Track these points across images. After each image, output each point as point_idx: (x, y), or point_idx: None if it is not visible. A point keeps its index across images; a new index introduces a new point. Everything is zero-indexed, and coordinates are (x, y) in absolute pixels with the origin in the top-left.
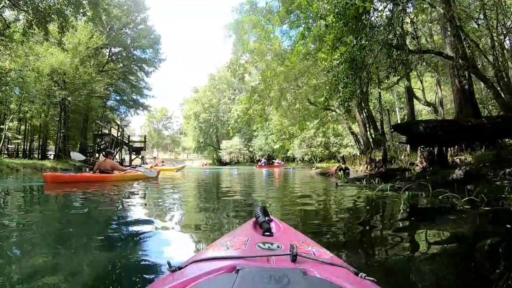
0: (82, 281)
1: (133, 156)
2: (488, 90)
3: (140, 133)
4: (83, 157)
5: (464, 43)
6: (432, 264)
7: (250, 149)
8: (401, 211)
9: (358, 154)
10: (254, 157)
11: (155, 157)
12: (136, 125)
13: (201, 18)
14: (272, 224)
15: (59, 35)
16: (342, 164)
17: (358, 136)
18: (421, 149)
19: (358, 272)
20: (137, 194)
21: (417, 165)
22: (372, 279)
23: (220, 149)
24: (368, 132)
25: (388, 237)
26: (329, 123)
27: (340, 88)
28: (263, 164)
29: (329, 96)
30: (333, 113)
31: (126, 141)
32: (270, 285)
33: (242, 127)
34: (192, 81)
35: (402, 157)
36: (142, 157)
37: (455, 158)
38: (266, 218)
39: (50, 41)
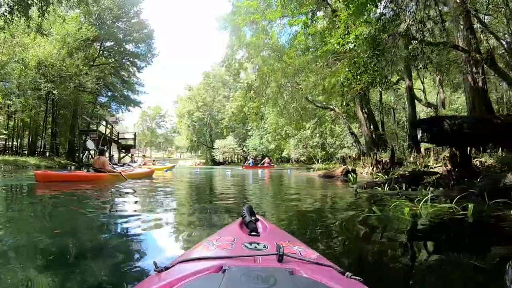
0: (64, 282)
1: (122, 154)
2: (496, 89)
3: (134, 131)
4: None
5: (482, 35)
6: None
7: (244, 149)
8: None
9: (354, 155)
10: (248, 157)
11: (144, 155)
12: (129, 123)
13: (196, 11)
14: (259, 224)
15: (39, 19)
16: (343, 165)
17: (358, 137)
18: (434, 150)
19: (344, 271)
20: (127, 194)
21: (433, 168)
22: (359, 278)
23: (213, 148)
24: (371, 132)
25: None
26: (327, 123)
27: (359, 72)
28: (251, 165)
29: (347, 84)
30: (331, 112)
31: (116, 138)
32: (257, 285)
33: (237, 126)
34: (187, 78)
35: (411, 159)
36: (132, 155)
37: (474, 160)
38: (253, 218)
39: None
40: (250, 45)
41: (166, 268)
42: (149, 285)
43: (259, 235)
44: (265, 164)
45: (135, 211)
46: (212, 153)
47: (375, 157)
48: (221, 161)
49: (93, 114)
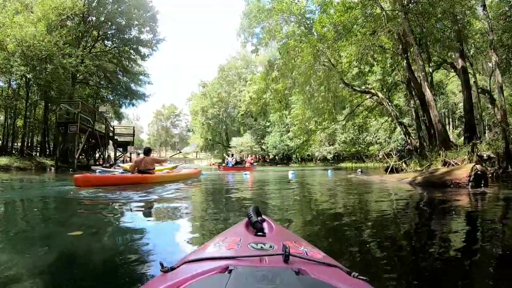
0: (75, 281)
1: (118, 153)
2: None
3: (148, 132)
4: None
5: None
6: None
7: (263, 147)
8: None
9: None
10: (268, 155)
11: (138, 154)
12: (144, 123)
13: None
14: (265, 224)
15: None
16: (402, 163)
17: (409, 129)
18: None
19: (350, 271)
20: (146, 196)
21: None
22: (365, 278)
23: (229, 147)
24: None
25: None
26: (363, 113)
27: None
28: (230, 165)
29: None
30: (367, 101)
31: (111, 134)
32: (263, 285)
33: (254, 123)
34: (202, 75)
35: None
36: (137, 154)
37: None
38: (259, 218)
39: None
40: (272, 12)
41: (172, 269)
42: (155, 286)
43: (265, 235)
44: (247, 165)
45: (142, 213)
46: (228, 152)
47: (475, 150)
48: (238, 160)
49: (74, 101)
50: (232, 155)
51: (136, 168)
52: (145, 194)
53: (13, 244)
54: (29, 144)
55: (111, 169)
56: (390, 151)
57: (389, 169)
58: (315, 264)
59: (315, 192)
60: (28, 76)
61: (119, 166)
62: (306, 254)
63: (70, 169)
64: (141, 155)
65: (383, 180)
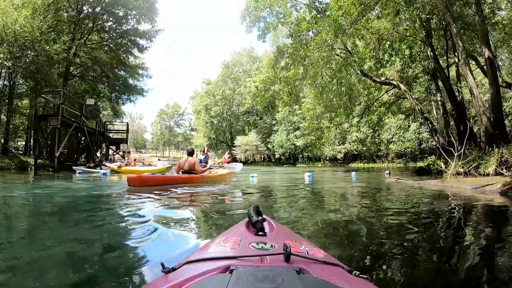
0: (74, 282)
1: (110, 151)
2: None
3: (151, 131)
4: None
5: None
6: None
7: (269, 146)
8: None
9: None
10: (273, 155)
11: (128, 152)
12: (147, 123)
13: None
14: (265, 224)
15: None
16: (441, 163)
17: (435, 123)
18: None
19: (352, 270)
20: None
21: None
22: (366, 277)
23: (234, 146)
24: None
25: None
26: (379, 110)
27: None
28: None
29: None
30: (385, 95)
31: (102, 130)
32: (264, 285)
33: (259, 121)
34: (205, 74)
35: None
36: (122, 152)
37: None
38: (259, 218)
39: None
40: None
41: (174, 269)
42: (157, 286)
43: (266, 235)
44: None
45: (143, 213)
46: (233, 151)
47: None
48: (242, 160)
49: (55, 91)
50: (204, 151)
51: (180, 168)
52: (162, 193)
53: None
54: (29, 143)
55: (95, 170)
56: (404, 150)
57: (450, 172)
58: (316, 263)
59: (361, 209)
60: (7, 65)
61: (105, 166)
62: (307, 253)
63: (50, 169)
64: (184, 156)
65: (445, 187)
